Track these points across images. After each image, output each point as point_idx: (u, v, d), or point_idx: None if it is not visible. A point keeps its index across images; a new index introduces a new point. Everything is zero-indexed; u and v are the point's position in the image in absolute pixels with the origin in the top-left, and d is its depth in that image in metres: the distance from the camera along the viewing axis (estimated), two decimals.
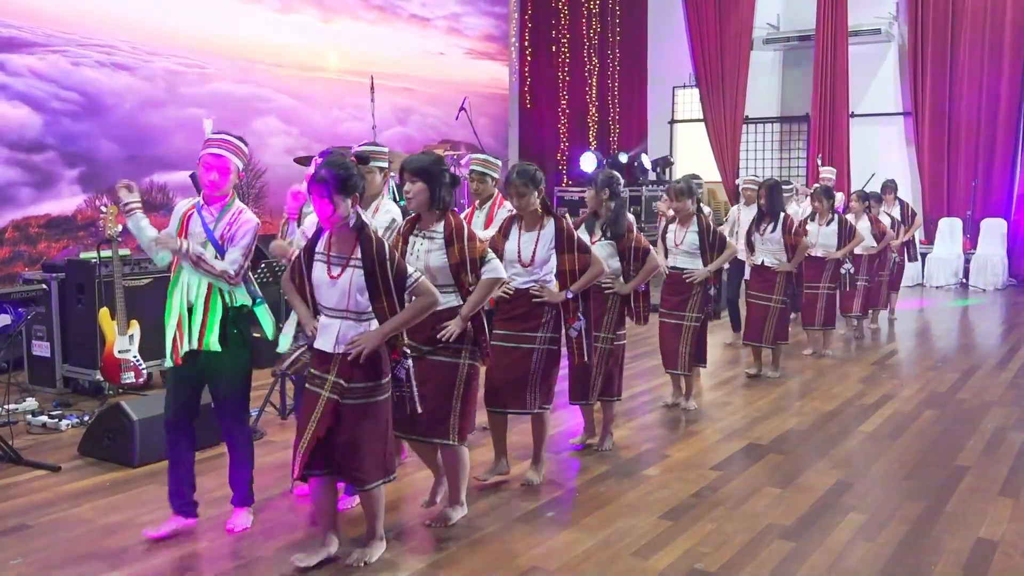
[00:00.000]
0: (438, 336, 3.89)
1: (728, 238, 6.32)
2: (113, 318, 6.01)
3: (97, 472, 4.82)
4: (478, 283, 3.93)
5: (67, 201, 8.37)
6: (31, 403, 6.06)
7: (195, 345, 3.82)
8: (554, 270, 4.53)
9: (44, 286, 6.49)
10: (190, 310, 3.84)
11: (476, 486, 4.54)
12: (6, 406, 5.63)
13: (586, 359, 4.63)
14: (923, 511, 4.33)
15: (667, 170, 14.02)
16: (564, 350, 4.64)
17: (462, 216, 5.47)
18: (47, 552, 3.82)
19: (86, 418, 5.63)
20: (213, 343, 3.82)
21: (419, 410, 3.68)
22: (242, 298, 3.93)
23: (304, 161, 8.42)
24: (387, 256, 3.45)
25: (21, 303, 5.61)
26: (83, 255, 6.63)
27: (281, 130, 10.74)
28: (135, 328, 6.07)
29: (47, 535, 4.00)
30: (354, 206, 3.46)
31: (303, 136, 10.84)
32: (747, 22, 14.29)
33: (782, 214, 7.10)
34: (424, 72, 12.69)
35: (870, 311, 9.19)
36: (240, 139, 3.95)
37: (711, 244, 5.97)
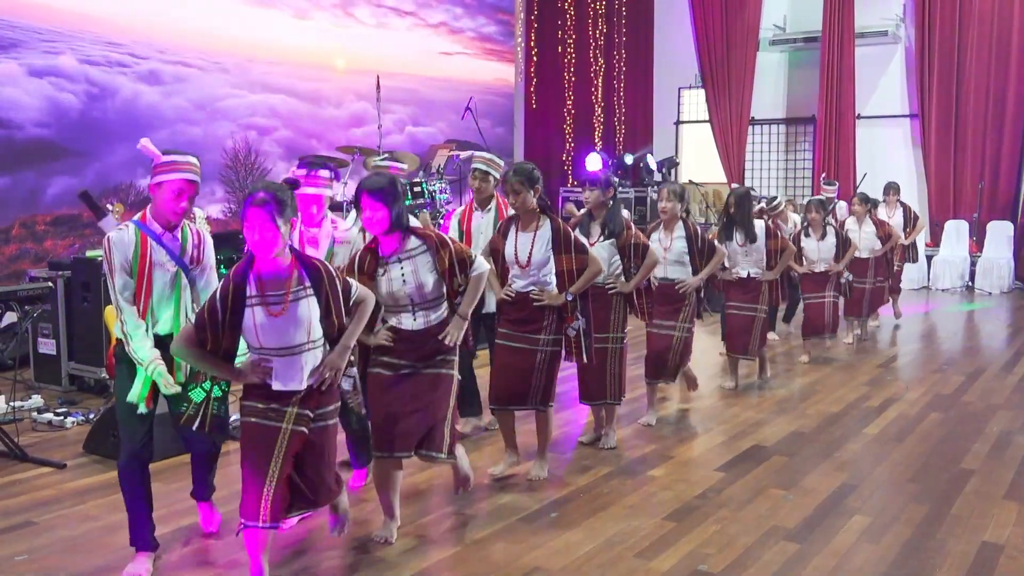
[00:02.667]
0: (446, 343, 3.86)
1: (718, 244, 6.16)
2: None
3: (102, 470, 4.83)
4: (467, 283, 3.89)
5: (73, 199, 8.40)
6: (37, 400, 6.08)
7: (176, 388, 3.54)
8: (553, 271, 4.52)
9: (50, 284, 6.51)
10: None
11: (485, 484, 4.55)
12: (12, 403, 5.65)
13: (585, 359, 4.61)
14: (928, 514, 4.32)
15: (672, 171, 14.01)
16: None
17: (458, 213, 5.52)
18: (52, 549, 3.83)
19: (91, 416, 5.64)
20: (179, 378, 3.56)
21: (368, 422, 3.61)
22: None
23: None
24: (335, 274, 3.39)
25: (27, 300, 5.61)
26: (89, 253, 6.65)
27: (286, 131, 10.75)
28: None
29: (52, 532, 4.01)
30: (289, 231, 3.27)
31: (308, 137, 10.85)
32: (753, 23, 14.27)
33: (762, 221, 6.81)
34: (430, 72, 12.70)
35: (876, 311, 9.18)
36: (193, 156, 3.68)
37: (700, 250, 5.79)
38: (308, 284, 3.30)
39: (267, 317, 3.24)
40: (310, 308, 3.29)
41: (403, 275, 3.82)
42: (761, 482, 4.76)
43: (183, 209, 3.57)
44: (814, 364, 7.81)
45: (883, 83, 13.95)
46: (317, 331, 3.34)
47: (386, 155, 5.12)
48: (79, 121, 8.46)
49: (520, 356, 4.53)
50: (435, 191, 9.57)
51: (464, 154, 9.22)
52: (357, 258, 3.90)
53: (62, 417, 5.68)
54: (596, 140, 15.36)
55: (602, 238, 5.07)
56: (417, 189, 9.28)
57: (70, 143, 8.37)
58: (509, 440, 4.79)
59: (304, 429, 3.33)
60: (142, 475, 3.63)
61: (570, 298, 4.49)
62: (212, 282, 3.69)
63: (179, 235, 3.63)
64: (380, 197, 3.70)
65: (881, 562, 3.78)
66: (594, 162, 12.72)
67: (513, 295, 4.55)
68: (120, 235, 3.55)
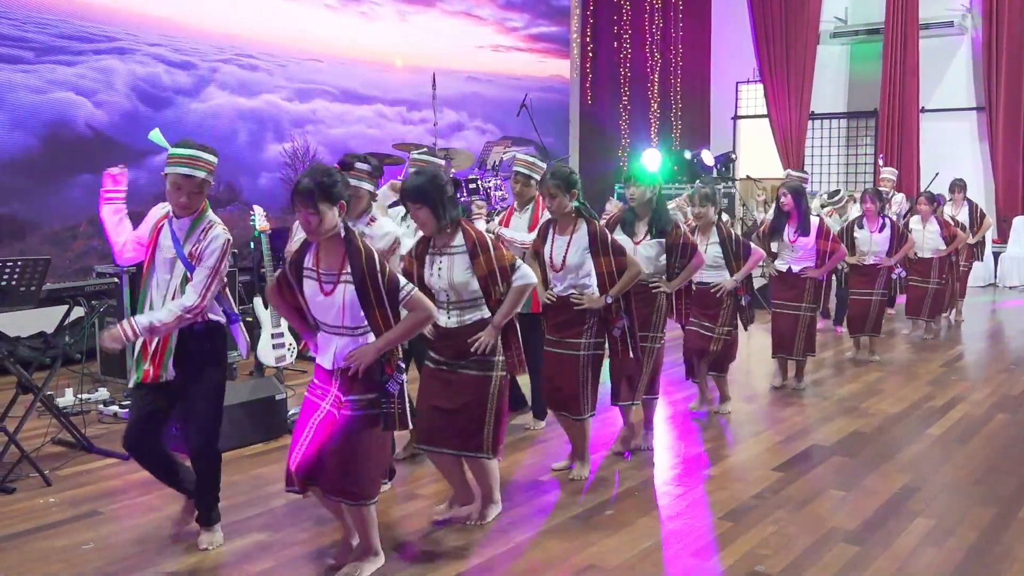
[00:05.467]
0: (472, 348, 3.85)
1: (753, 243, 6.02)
2: None
3: None
4: (509, 291, 3.87)
5: (138, 198, 8.59)
6: (103, 393, 6.24)
7: (157, 372, 3.66)
8: (592, 274, 4.49)
9: (116, 279, 6.67)
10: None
11: (539, 482, 4.56)
12: (79, 396, 5.82)
13: (631, 355, 4.59)
14: (993, 517, 4.21)
15: (729, 166, 13.84)
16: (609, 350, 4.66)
17: (499, 218, 5.53)
18: (117, 538, 3.93)
19: None
20: (168, 372, 3.65)
21: (409, 427, 3.52)
22: (215, 315, 3.74)
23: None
24: (377, 268, 3.30)
25: (93, 296, 5.78)
26: None
27: (344, 128, 10.86)
28: None
29: (117, 522, 4.12)
30: (341, 215, 3.32)
31: (366, 134, 10.95)
32: (814, 15, 14.03)
33: (817, 218, 6.66)
34: (485, 68, 12.73)
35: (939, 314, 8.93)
36: (205, 149, 3.67)
37: (735, 253, 5.72)
38: (349, 271, 3.32)
39: (317, 293, 3.38)
40: (345, 295, 3.33)
41: (439, 270, 3.88)
42: (820, 482, 4.68)
43: (182, 203, 3.65)
44: (876, 363, 7.65)
45: (948, 76, 13.62)
46: (356, 319, 3.36)
47: (424, 149, 5.09)
48: (146, 121, 8.64)
49: (563, 362, 4.52)
50: (490, 188, 9.60)
51: (507, 154, 9.11)
52: (416, 242, 4.02)
53: (127, 409, 5.82)
54: (652, 136, 15.24)
55: (648, 236, 4.95)
56: (473, 186, 9.32)
57: (137, 143, 8.55)
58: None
59: (333, 409, 3.39)
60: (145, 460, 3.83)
61: (610, 301, 4.46)
62: (199, 282, 3.62)
63: (188, 225, 3.68)
64: (416, 197, 3.78)
65: (945, 566, 3.70)
66: (650, 159, 12.62)
67: (554, 298, 4.54)
68: (157, 208, 3.82)
